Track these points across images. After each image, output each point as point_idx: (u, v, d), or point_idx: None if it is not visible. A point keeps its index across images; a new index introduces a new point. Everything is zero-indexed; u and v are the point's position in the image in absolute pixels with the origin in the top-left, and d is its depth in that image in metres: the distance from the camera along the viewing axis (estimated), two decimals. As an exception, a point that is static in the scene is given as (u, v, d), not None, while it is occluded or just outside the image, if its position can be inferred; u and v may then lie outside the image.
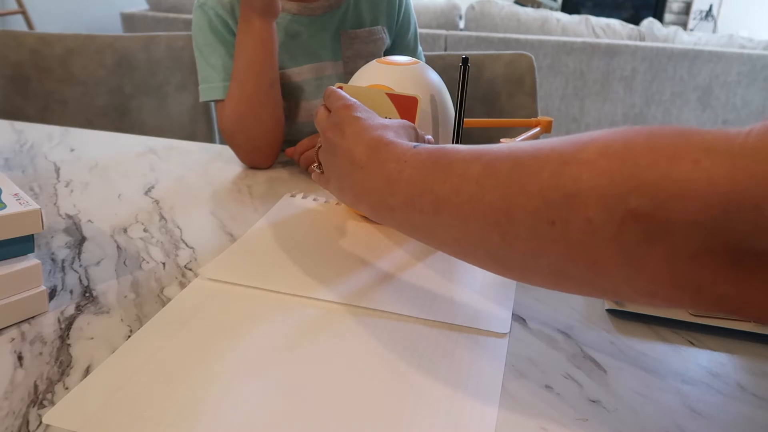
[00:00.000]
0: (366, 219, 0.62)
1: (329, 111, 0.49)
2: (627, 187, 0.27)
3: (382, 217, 0.42)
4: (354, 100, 0.48)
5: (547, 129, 0.75)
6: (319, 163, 0.51)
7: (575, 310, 0.47)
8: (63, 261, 0.53)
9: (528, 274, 0.34)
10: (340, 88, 0.59)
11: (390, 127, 0.45)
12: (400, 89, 0.58)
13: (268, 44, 0.74)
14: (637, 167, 0.27)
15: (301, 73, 0.83)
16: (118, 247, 0.55)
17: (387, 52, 0.92)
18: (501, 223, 0.32)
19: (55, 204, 0.65)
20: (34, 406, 0.35)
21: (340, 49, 0.85)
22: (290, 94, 0.83)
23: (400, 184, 0.39)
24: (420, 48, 0.98)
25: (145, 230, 0.59)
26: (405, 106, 0.57)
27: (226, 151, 0.83)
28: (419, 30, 1.11)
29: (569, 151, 0.30)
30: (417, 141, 0.47)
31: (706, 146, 0.26)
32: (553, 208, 0.30)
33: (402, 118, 0.57)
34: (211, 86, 0.79)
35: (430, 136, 0.52)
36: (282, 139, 0.80)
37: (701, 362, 0.41)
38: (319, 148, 0.50)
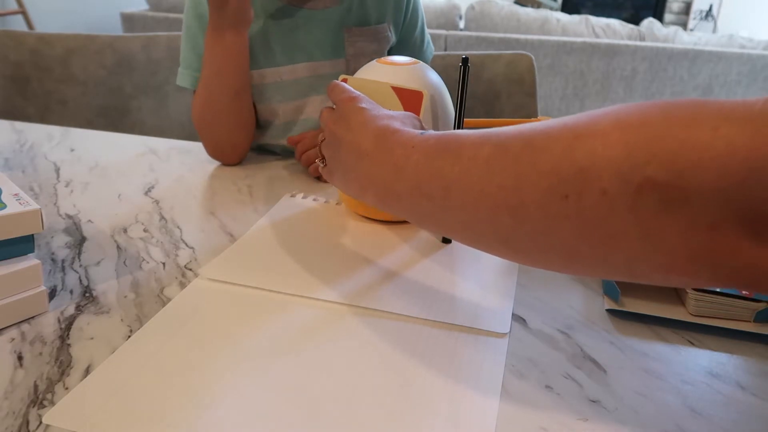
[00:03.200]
0: (366, 219, 0.62)
1: (332, 108, 0.49)
2: (643, 156, 0.27)
3: (389, 206, 0.41)
4: (358, 92, 0.48)
5: (547, 129, 0.74)
6: (323, 157, 0.51)
7: (575, 310, 0.47)
8: (63, 261, 0.53)
9: (539, 256, 0.33)
10: (345, 80, 0.59)
11: (396, 117, 0.44)
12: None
13: (236, 56, 0.73)
14: (654, 137, 0.27)
15: (294, 71, 0.81)
16: (118, 247, 0.55)
17: (394, 50, 0.90)
18: (512, 203, 0.32)
19: (55, 204, 0.65)
20: (34, 406, 0.35)
21: (341, 47, 0.82)
22: (281, 92, 0.81)
23: (408, 171, 0.38)
24: (428, 40, 0.95)
25: (145, 230, 0.59)
26: (410, 100, 0.56)
27: (226, 151, 0.83)
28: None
29: (582, 126, 0.30)
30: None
31: (724, 114, 0.26)
32: (566, 183, 0.29)
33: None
34: (187, 72, 0.80)
35: (433, 131, 0.52)
36: (248, 143, 0.80)
37: (701, 362, 0.41)
38: (323, 141, 0.50)
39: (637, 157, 0.27)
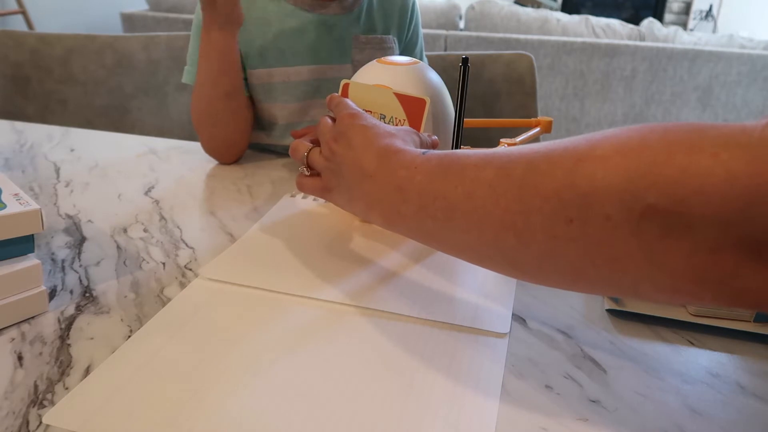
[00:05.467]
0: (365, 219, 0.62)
1: (332, 120, 0.49)
2: (644, 183, 0.27)
3: (395, 226, 0.42)
4: (359, 108, 0.48)
5: (547, 129, 0.74)
6: (308, 167, 0.51)
7: (575, 310, 0.47)
8: (63, 261, 0.53)
9: (544, 276, 0.34)
10: (347, 85, 0.59)
11: (397, 135, 0.45)
12: (400, 89, 0.58)
13: (225, 55, 0.73)
14: (654, 163, 0.27)
15: (301, 73, 0.82)
16: (118, 247, 0.55)
17: None
18: (517, 225, 0.32)
19: (55, 204, 0.65)
20: (34, 406, 0.35)
21: (348, 53, 0.84)
22: (288, 92, 0.82)
23: (412, 192, 0.39)
24: (425, 61, 0.98)
25: (145, 230, 0.59)
26: (412, 107, 0.56)
27: (226, 151, 0.83)
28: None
29: (583, 150, 0.30)
30: (421, 146, 0.47)
31: (724, 140, 0.26)
32: (570, 207, 0.30)
33: (408, 119, 0.56)
34: (190, 70, 0.82)
35: (435, 137, 0.52)
36: (244, 143, 0.81)
37: (701, 362, 0.41)
38: (310, 152, 0.50)
39: (638, 183, 0.27)
